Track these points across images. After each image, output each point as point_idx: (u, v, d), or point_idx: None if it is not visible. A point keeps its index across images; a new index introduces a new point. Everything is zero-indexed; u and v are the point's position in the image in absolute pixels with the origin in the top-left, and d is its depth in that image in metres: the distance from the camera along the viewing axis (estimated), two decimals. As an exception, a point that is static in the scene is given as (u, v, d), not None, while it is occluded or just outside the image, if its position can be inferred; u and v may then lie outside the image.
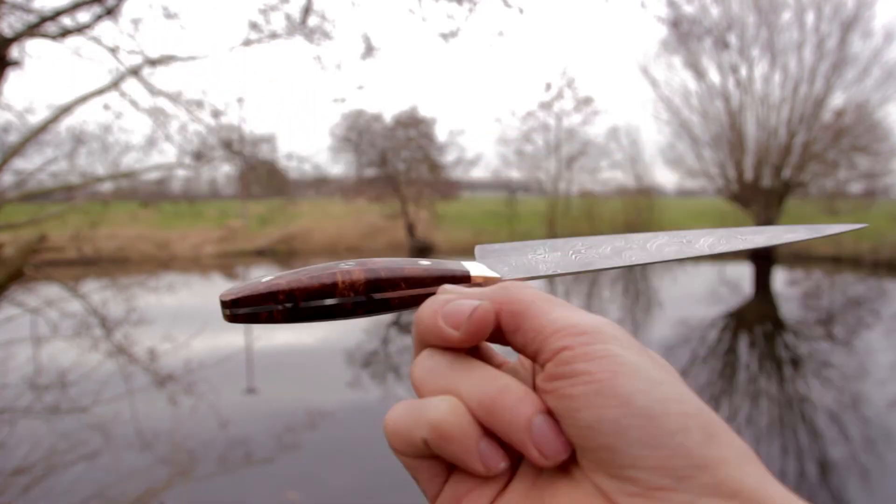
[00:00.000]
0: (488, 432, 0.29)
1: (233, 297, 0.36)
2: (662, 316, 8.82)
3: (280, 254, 16.77)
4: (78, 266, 10.96)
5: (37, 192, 5.81)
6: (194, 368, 5.66)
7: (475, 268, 0.40)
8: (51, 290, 6.66)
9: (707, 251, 0.44)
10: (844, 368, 6.17)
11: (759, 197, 15.40)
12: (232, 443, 4.07)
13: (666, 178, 39.06)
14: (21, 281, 4.78)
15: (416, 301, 0.37)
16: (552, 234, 17.54)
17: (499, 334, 0.32)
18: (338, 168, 21.13)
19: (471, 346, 0.32)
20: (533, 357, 0.30)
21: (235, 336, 6.98)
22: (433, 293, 0.35)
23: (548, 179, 19.20)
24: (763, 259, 14.74)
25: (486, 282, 0.39)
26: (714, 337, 7.51)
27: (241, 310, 0.36)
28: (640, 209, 16.52)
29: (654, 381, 0.27)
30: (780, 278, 13.14)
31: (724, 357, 6.62)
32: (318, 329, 7.84)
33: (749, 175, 15.82)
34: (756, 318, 8.74)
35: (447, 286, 0.36)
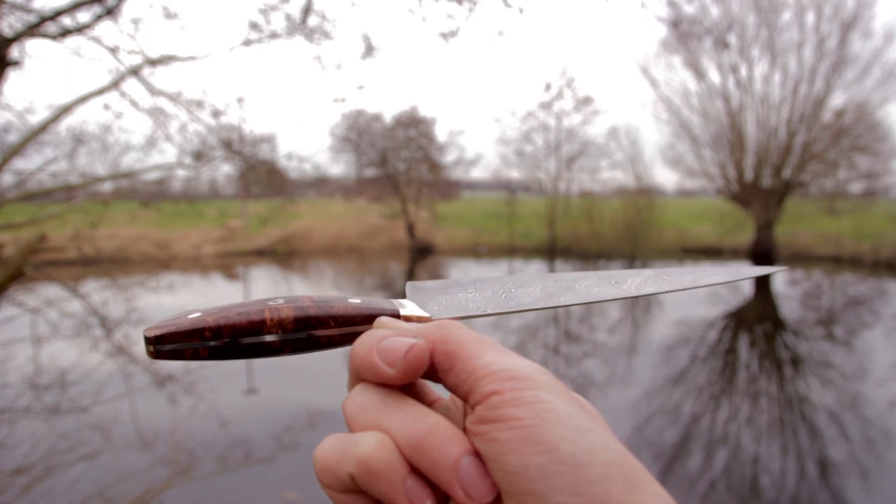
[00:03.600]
0: (416, 471, 0.29)
1: (157, 333, 0.35)
2: (662, 316, 8.81)
3: (280, 254, 16.77)
4: (78, 266, 10.97)
5: (37, 192, 5.81)
6: (194, 368, 5.66)
7: (406, 306, 0.40)
8: (51, 290, 6.67)
9: (634, 292, 0.45)
10: (844, 368, 6.17)
11: (759, 197, 15.39)
12: (232, 443, 4.07)
13: (666, 178, 39.10)
14: (21, 281, 4.78)
15: (346, 339, 0.37)
16: (552, 233, 17.53)
17: (432, 372, 0.32)
18: (338, 168, 21.16)
19: (405, 384, 0.32)
20: (464, 398, 0.30)
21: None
22: (363, 331, 0.36)
23: (548, 179, 19.20)
24: (763, 259, 14.74)
25: (417, 321, 0.39)
26: (714, 337, 7.51)
27: (166, 346, 0.35)
28: (640, 209, 16.50)
29: (580, 429, 0.27)
30: (780, 278, 13.14)
31: (724, 357, 6.62)
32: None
33: (749, 175, 15.82)
34: (756, 318, 8.74)
35: (384, 319, 0.36)
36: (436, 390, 0.36)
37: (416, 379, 0.32)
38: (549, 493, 0.26)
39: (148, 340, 0.35)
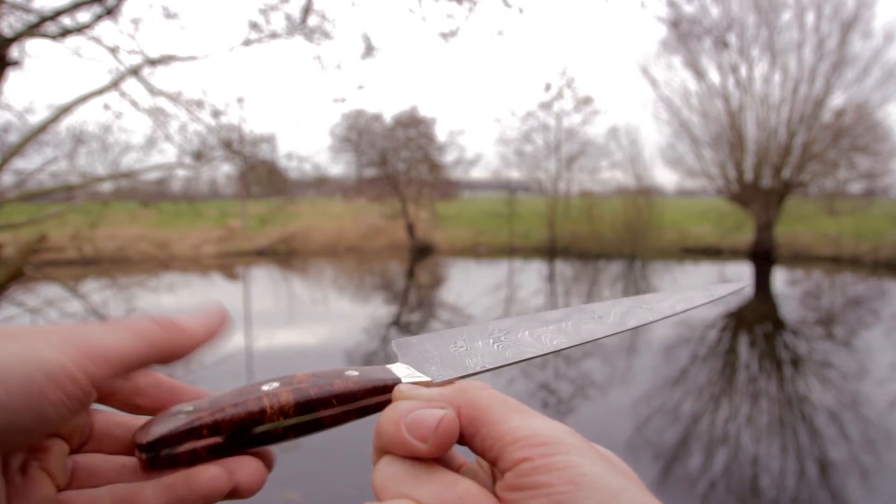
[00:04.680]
0: None
1: (152, 438, 0.33)
2: (662, 316, 8.81)
3: (280, 254, 16.78)
4: (78, 266, 10.97)
5: (37, 192, 5.81)
6: (194, 368, 5.65)
7: (402, 371, 0.38)
8: (51, 290, 6.67)
9: (619, 327, 0.44)
10: (844, 368, 6.17)
11: (759, 197, 15.39)
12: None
13: (666, 178, 39.07)
14: (21, 281, 4.78)
15: (349, 416, 0.36)
16: (552, 234, 17.53)
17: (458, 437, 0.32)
18: (338, 168, 21.16)
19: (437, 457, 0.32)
20: (492, 462, 0.30)
21: (235, 336, 6.99)
22: (367, 405, 0.35)
23: (548, 179, 19.21)
24: (763, 259, 14.74)
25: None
26: (714, 337, 7.51)
27: (164, 451, 0.32)
28: (640, 209, 16.51)
29: (614, 491, 0.27)
30: (780, 278, 13.14)
31: (724, 357, 6.62)
32: (318, 329, 7.84)
33: (749, 175, 15.82)
34: (756, 318, 8.74)
35: (403, 388, 0.35)
36: (461, 454, 0.36)
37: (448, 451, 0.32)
38: None
39: (142, 447, 0.33)
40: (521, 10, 4.99)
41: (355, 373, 0.37)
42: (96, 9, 4.71)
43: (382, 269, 14.92)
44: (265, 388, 0.35)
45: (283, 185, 17.30)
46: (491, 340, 0.42)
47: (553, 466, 0.27)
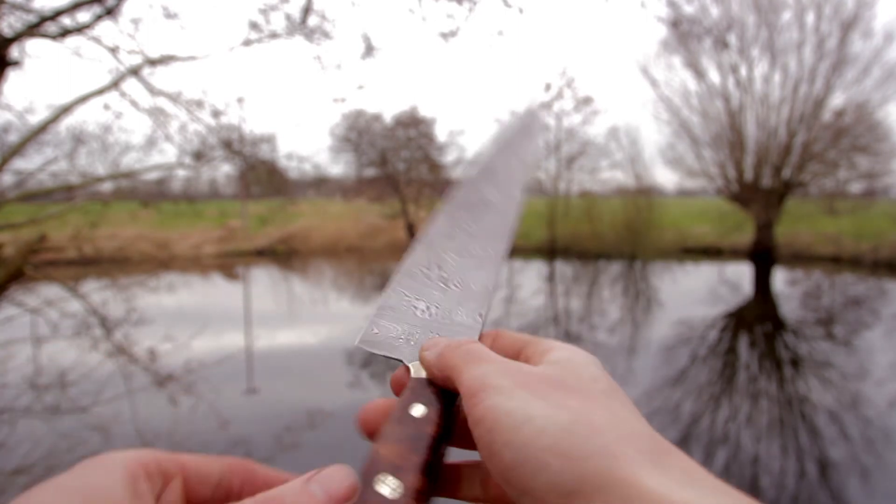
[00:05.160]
0: None
1: None
2: (663, 316, 8.81)
3: (280, 254, 16.77)
4: (78, 266, 10.97)
5: (37, 192, 5.81)
6: (194, 368, 5.65)
7: (412, 366, 0.38)
8: (51, 290, 6.67)
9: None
10: (844, 368, 6.17)
11: (759, 197, 15.39)
12: (232, 443, 4.07)
13: (666, 178, 39.06)
14: (21, 281, 4.78)
15: (448, 428, 0.35)
16: (552, 234, 17.52)
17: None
18: (338, 168, 21.16)
19: None
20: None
21: (235, 336, 6.99)
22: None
23: (548, 179, 19.20)
24: (763, 259, 14.74)
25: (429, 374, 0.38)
26: (714, 337, 7.51)
27: None
28: (640, 209, 16.50)
29: (515, 428, 0.29)
30: (780, 278, 13.14)
31: (724, 357, 6.62)
32: (319, 329, 7.84)
33: (749, 175, 15.81)
34: (756, 318, 8.74)
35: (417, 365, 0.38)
36: None
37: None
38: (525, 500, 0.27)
39: None
40: (521, 10, 4.99)
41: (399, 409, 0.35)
42: (96, 9, 4.71)
43: (382, 270, 14.92)
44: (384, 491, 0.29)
45: (283, 185, 17.28)
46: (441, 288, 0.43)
47: (476, 418, 0.30)
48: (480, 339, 0.40)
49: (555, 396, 0.30)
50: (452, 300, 0.43)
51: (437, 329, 0.41)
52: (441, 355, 0.35)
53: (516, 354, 0.37)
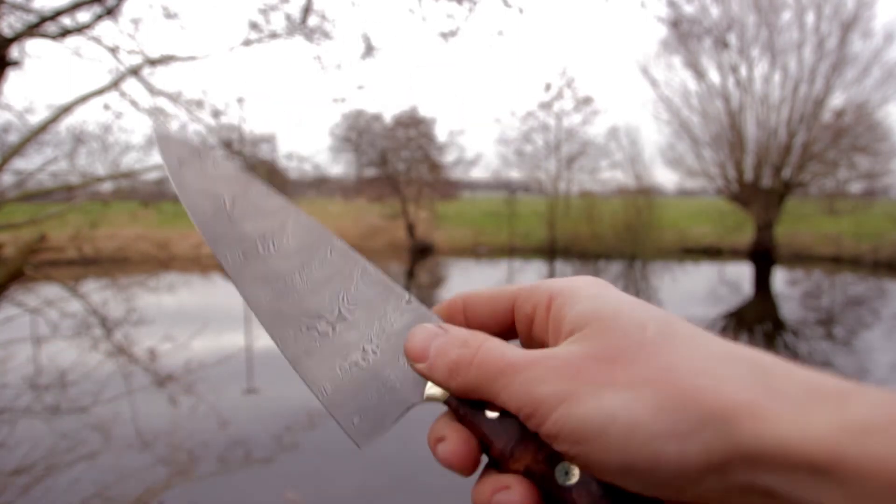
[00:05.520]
0: None
1: None
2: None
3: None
4: (78, 266, 10.96)
5: (37, 192, 5.80)
6: (194, 368, 5.65)
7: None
8: (51, 290, 6.67)
9: None
10: (844, 368, 6.17)
11: (759, 197, 15.39)
12: (232, 443, 4.07)
13: (666, 178, 39.06)
14: (21, 281, 4.78)
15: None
16: (552, 234, 17.52)
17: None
18: (338, 168, 21.15)
19: None
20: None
21: (235, 336, 6.99)
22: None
23: (548, 179, 19.21)
24: (763, 259, 14.74)
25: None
26: (714, 337, 7.51)
27: None
28: (640, 209, 16.50)
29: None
30: (780, 278, 13.14)
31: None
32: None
33: (749, 175, 15.82)
34: (756, 318, 8.74)
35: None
36: None
37: None
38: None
39: None
40: (521, 10, 4.99)
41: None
42: (96, 9, 4.71)
43: (382, 269, 14.90)
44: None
45: (283, 185, 17.29)
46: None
47: (549, 433, 0.27)
48: (444, 317, 0.36)
49: (618, 375, 0.25)
50: (367, 320, 0.37)
51: (388, 353, 0.35)
52: (452, 374, 0.31)
53: (507, 314, 0.34)
